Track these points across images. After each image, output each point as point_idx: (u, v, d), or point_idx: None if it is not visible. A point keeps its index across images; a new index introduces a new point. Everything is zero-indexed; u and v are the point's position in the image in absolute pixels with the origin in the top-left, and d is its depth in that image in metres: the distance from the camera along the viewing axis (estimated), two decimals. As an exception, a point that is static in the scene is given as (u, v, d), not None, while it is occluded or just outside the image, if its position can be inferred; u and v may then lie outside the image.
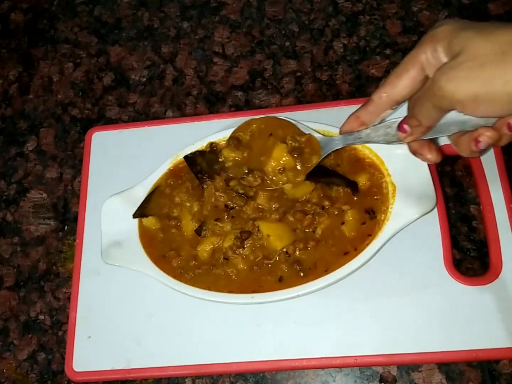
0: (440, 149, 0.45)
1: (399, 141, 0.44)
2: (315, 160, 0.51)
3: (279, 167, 0.51)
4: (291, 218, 0.51)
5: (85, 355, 0.54)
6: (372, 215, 0.50)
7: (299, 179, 0.51)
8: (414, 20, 0.65)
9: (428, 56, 0.38)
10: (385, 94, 0.42)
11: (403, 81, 0.40)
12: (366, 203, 0.51)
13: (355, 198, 0.51)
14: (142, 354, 0.53)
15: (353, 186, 0.51)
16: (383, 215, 0.50)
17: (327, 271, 0.49)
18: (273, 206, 0.51)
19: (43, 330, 0.58)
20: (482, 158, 0.54)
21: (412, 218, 0.49)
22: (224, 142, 0.56)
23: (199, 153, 0.55)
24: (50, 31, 0.75)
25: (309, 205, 0.51)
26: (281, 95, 0.65)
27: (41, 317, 0.59)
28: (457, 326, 0.49)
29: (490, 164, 0.54)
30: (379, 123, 0.46)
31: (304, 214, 0.50)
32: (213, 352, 0.52)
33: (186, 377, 0.54)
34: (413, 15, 0.66)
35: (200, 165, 0.55)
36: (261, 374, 0.53)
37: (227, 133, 0.56)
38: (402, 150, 0.51)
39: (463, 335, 0.49)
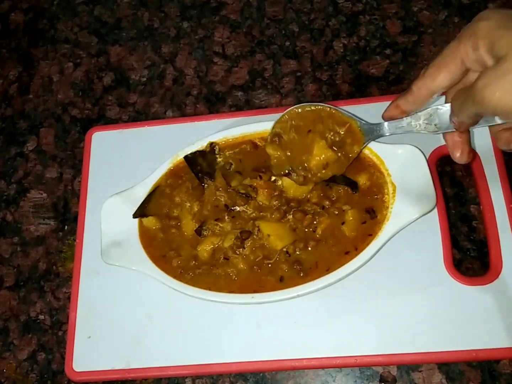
0: (471, 151, 0.45)
1: (440, 130, 0.44)
2: (357, 150, 0.50)
3: (322, 163, 0.51)
4: (291, 218, 0.51)
5: (85, 355, 0.54)
6: (372, 214, 0.50)
7: (343, 169, 0.51)
8: (414, 20, 0.65)
9: (469, 51, 0.37)
10: (424, 85, 0.41)
11: (442, 74, 0.39)
12: (366, 202, 0.51)
13: (354, 194, 0.51)
14: (142, 354, 0.53)
15: (353, 186, 0.51)
16: (383, 215, 0.50)
17: (328, 270, 0.49)
18: (274, 203, 0.51)
19: (43, 330, 0.58)
20: (482, 158, 0.54)
21: (412, 218, 0.49)
22: (224, 142, 0.56)
23: (199, 153, 0.55)
24: (50, 31, 0.75)
25: (309, 205, 0.51)
26: (281, 95, 0.65)
27: (41, 317, 0.59)
28: (457, 326, 0.49)
29: (490, 164, 0.54)
30: (420, 111, 0.45)
31: (304, 214, 0.51)
32: (213, 352, 0.52)
33: (186, 377, 0.54)
34: (413, 15, 0.66)
35: (200, 165, 0.55)
36: (261, 374, 0.53)
37: (227, 133, 0.56)
38: (402, 150, 0.51)
39: (463, 335, 0.49)
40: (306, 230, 0.51)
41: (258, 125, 0.56)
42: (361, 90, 0.63)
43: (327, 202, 0.51)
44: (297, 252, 0.50)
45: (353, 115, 0.51)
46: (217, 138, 0.56)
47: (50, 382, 0.56)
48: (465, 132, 0.44)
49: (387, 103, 0.58)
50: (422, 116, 0.45)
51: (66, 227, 0.63)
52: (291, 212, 0.51)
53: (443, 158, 0.56)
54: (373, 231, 0.50)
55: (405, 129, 0.47)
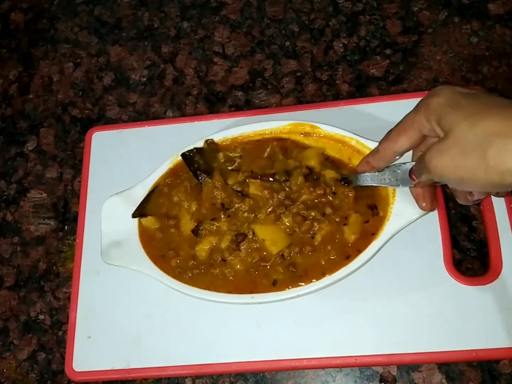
0: (435, 199, 0.48)
1: (402, 185, 0.48)
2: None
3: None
4: (286, 220, 0.50)
5: (85, 355, 0.54)
6: (375, 211, 0.50)
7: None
8: (414, 20, 0.65)
9: (423, 121, 0.41)
10: (388, 147, 0.47)
11: (402, 139, 0.45)
12: (367, 199, 0.51)
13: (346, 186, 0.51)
14: (142, 354, 0.53)
15: (345, 179, 0.51)
16: (385, 212, 0.50)
17: (323, 274, 0.49)
18: (266, 194, 0.51)
19: (43, 330, 0.58)
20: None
21: (412, 218, 0.49)
22: (224, 142, 0.56)
23: (197, 150, 0.55)
24: (50, 31, 0.75)
25: (310, 211, 0.51)
26: (281, 95, 0.65)
27: (41, 317, 0.59)
28: (457, 326, 0.49)
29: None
30: (386, 167, 0.50)
31: (303, 219, 0.50)
32: (213, 352, 0.52)
33: (186, 377, 0.54)
34: (413, 15, 0.66)
35: (198, 162, 0.54)
36: (261, 374, 0.53)
37: (227, 133, 0.56)
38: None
39: (463, 335, 0.49)
40: (303, 235, 0.50)
41: (258, 125, 0.56)
42: (361, 90, 0.63)
43: (329, 210, 0.50)
44: (292, 255, 0.50)
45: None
46: (217, 138, 0.56)
47: (50, 382, 0.56)
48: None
49: (387, 103, 0.59)
50: (387, 172, 0.50)
51: (66, 227, 0.63)
52: (289, 215, 0.50)
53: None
54: (376, 230, 0.50)
55: (373, 181, 0.51)
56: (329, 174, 0.52)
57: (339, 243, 0.50)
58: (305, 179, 0.51)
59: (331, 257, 0.49)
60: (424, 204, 0.48)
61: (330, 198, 0.51)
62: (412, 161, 0.48)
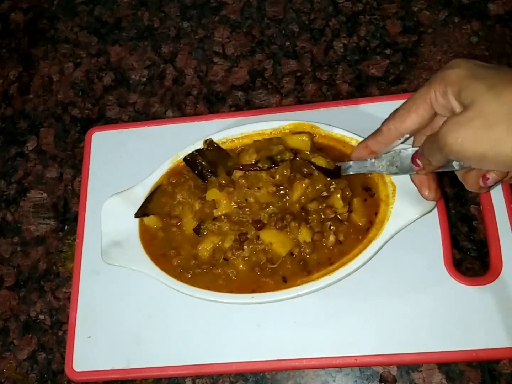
0: (439, 188, 0.46)
1: (401, 173, 0.46)
2: (323, 187, 0.51)
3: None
4: (293, 235, 0.50)
5: (85, 355, 0.54)
6: (370, 192, 0.51)
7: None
8: (414, 20, 0.65)
9: (438, 96, 0.38)
10: (393, 126, 0.43)
11: (412, 117, 0.41)
12: (359, 183, 0.52)
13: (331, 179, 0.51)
14: (142, 354, 0.53)
15: (332, 171, 0.50)
16: (379, 194, 0.50)
17: (332, 264, 0.49)
18: (273, 214, 0.51)
19: (43, 330, 0.58)
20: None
21: (412, 218, 0.49)
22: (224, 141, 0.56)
23: (198, 152, 0.55)
24: (50, 31, 0.75)
25: (312, 216, 0.51)
26: (281, 95, 0.65)
27: (41, 317, 0.59)
28: (457, 326, 0.49)
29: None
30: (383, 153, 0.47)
31: (311, 231, 0.50)
32: (213, 352, 0.52)
33: (186, 377, 0.54)
34: (413, 15, 0.66)
35: (201, 164, 0.55)
36: (261, 374, 0.53)
37: (227, 133, 0.56)
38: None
39: (463, 335, 0.49)
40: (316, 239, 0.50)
41: (258, 125, 0.56)
42: (361, 90, 0.63)
43: (329, 212, 0.50)
44: (302, 254, 0.50)
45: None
46: (217, 138, 0.56)
47: (50, 382, 0.56)
48: None
49: (387, 103, 0.58)
50: (385, 158, 0.47)
51: (66, 227, 0.63)
52: (295, 228, 0.50)
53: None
54: (377, 209, 0.50)
55: (368, 169, 0.49)
56: (319, 161, 0.51)
57: (350, 232, 0.50)
58: (291, 166, 0.50)
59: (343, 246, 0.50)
60: (427, 193, 0.45)
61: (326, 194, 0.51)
62: (413, 147, 0.45)
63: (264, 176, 0.51)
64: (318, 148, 0.54)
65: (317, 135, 0.55)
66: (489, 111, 0.33)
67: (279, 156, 0.51)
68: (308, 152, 0.52)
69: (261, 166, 0.51)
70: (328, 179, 0.50)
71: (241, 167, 0.52)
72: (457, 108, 0.36)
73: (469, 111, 0.34)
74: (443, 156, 0.38)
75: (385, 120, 0.44)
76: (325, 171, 0.50)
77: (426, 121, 0.41)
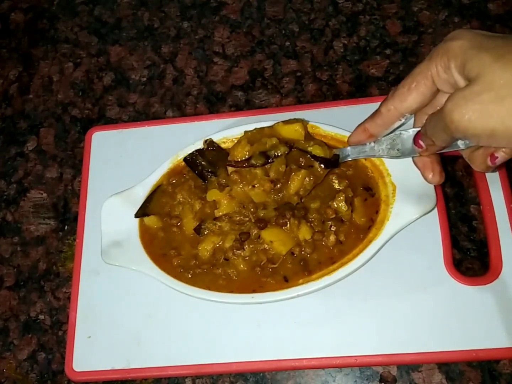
0: (443, 171, 0.45)
1: (403, 156, 0.44)
2: (322, 174, 0.50)
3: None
4: (293, 234, 0.50)
5: (85, 355, 0.54)
6: (370, 192, 0.51)
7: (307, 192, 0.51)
8: (414, 20, 0.65)
9: (440, 71, 0.36)
10: (393, 106, 0.40)
11: (413, 95, 0.39)
12: (359, 183, 0.52)
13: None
14: (142, 354, 0.53)
15: (330, 160, 0.49)
16: (379, 194, 0.50)
17: (334, 262, 0.49)
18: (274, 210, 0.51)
19: (43, 330, 0.58)
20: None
21: (412, 218, 0.49)
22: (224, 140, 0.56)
23: (198, 152, 0.55)
24: (50, 31, 0.75)
25: (312, 215, 0.51)
26: (281, 95, 0.65)
27: (41, 317, 0.59)
28: (457, 326, 0.49)
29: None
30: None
31: (312, 230, 0.50)
32: (213, 352, 0.52)
33: (186, 377, 0.54)
34: (413, 15, 0.66)
35: (201, 164, 0.55)
36: (261, 374, 0.53)
37: (227, 133, 0.56)
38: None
39: (463, 335, 0.49)
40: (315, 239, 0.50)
41: (258, 125, 0.56)
42: (361, 90, 0.63)
43: (330, 212, 0.50)
44: (303, 253, 0.50)
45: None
46: (217, 138, 0.56)
47: (50, 382, 0.56)
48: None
49: (387, 103, 0.58)
50: (385, 142, 0.46)
51: (66, 227, 0.63)
52: (294, 225, 0.50)
53: (443, 158, 0.56)
54: (378, 208, 0.50)
55: (367, 153, 0.48)
56: (316, 150, 0.49)
57: (350, 232, 0.50)
58: (287, 159, 0.49)
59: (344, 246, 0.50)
60: (431, 176, 0.43)
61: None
62: (414, 127, 0.43)
63: (259, 173, 0.50)
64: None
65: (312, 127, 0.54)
66: (499, 83, 0.31)
67: (273, 151, 0.50)
68: (303, 142, 0.50)
69: (254, 163, 0.50)
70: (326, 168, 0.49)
71: (233, 163, 0.50)
72: (461, 82, 0.34)
73: (476, 84, 0.32)
74: (448, 135, 0.35)
75: (384, 100, 0.41)
76: (323, 161, 0.49)
77: (427, 98, 0.39)
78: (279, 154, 0.50)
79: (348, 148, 0.49)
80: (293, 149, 0.50)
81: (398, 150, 0.44)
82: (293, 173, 0.49)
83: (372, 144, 0.46)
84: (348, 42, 0.66)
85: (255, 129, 0.53)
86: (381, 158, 0.48)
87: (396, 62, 0.63)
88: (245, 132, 0.54)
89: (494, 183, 0.53)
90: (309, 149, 0.50)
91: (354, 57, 0.65)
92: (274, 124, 0.52)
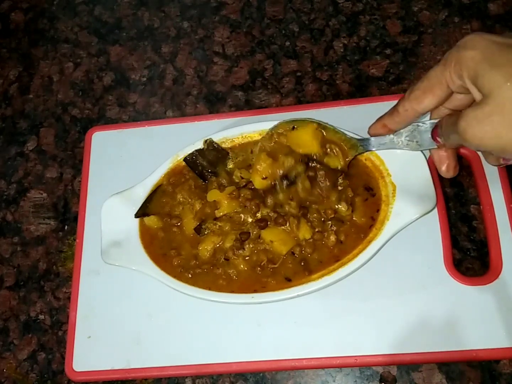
0: (457, 165, 0.45)
1: (422, 148, 0.45)
2: (342, 162, 0.51)
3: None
4: (294, 233, 0.50)
5: (85, 355, 0.54)
6: (371, 192, 0.51)
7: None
8: (414, 20, 0.65)
9: (454, 78, 0.37)
10: (410, 107, 0.42)
11: (428, 98, 0.40)
12: (360, 183, 0.52)
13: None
14: (142, 354, 0.53)
15: (344, 171, 0.51)
16: (379, 193, 0.50)
17: (338, 260, 0.49)
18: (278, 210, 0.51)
19: (43, 330, 0.58)
20: (482, 158, 0.54)
21: (412, 218, 0.49)
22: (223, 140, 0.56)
23: (198, 152, 0.55)
24: (50, 31, 0.75)
25: (313, 215, 0.51)
26: (281, 95, 0.65)
27: (41, 317, 0.59)
28: (457, 326, 0.49)
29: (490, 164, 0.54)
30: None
31: (312, 229, 0.50)
32: (213, 352, 0.52)
33: (186, 377, 0.54)
34: (413, 15, 0.66)
35: (201, 164, 0.55)
36: (261, 374, 0.53)
37: (227, 133, 0.56)
38: (402, 150, 0.51)
39: (463, 335, 0.49)
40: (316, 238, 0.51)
41: (258, 125, 0.56)
42: (361, 90, 0.63)
43: (329, 211, 0.51)
44: (303, 253, 0.50)
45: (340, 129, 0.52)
46: (217, 138, 0.56)
47: (50, 382, 0.56)
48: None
49: (387, 103, 0.58)
50: (404, 133, 0.47)
51: (66, 227, 0.63)
52: (294, 224, 0.50)
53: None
54: (379, 207, 0.50)
55: (388, 145, 0.49)
56: (332, 161, 0.51)
57: (351, 231, 0.50)
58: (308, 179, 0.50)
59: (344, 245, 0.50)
60: (444, 168, 0.44)
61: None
62: (431, 119, 0.44)
63: (283, 197, 0.51)
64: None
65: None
66: (509, 107, 0.32)
67: (293, 173, 0.51)
68: (318, 154, 0.51)
69: (279, 188, 0.51)
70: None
71: (268, 204, 0.51)
72: (475, 91, 0.35)
73: (487, 104, 0.33)
74: (462, 143, 0.37)
75: (401, 100, 0.43)
76: (341, 173, 0.51)
77: (443, 99, 0.40)
78: (299, 174, 0.51)
79: (372, 138, 0.49)
80: (310, 164, 0.51)
81: (417, 142, 0.45)
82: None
83: (392, 136, 0.47)
84: (348, 42, 0.66)
85: (266, 137, 0.53)
86: (401, 150, 0.48)
87: (396, 62, 0.63)
88: (260, 149, 0.53)
89: (494, 183, 0.53)
90: (325, 160, 0.51)
91: (354, 57, 0.65)
92: (285, 131, 0.53)
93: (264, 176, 0.51)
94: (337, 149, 0.51)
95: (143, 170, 0.57)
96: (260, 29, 0.69)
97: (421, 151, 0.49)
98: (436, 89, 0.39)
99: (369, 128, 0.48)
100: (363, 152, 0.51)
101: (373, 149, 0.50)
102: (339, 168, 0.51)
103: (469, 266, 0.53)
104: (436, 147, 0.44)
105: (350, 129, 0.54)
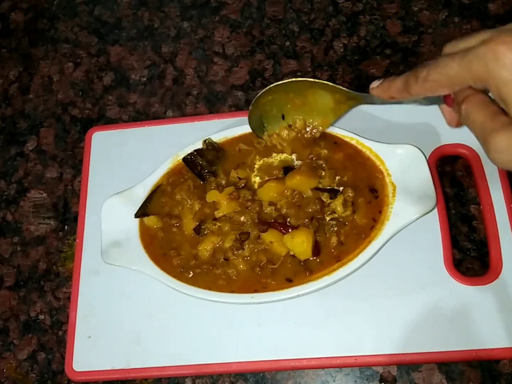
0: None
1: (428, 103, 0.42)
2: (343, 110, 0.51)
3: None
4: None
5: (85, 355, 0.54)
6: (375, 194, 0.51)
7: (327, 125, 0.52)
8: (414, 20, 0.65)
9: (478, 85, 0.35)
10: (422, 93, 0.40)
11: (445, 91, 0.38)
12: (365, 184, 0.52)
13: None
14: (142, 354, 0.53)
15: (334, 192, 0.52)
16: (384, 194, 0.50)
17: (339, 261, 0.49)
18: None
19: (43, 330, 0.58)
20: (482, 158, 0.54)
21: (412, 218, 0.49)
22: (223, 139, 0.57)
23: (197, 152, 0.55)
24: (50, 31, 0.75)
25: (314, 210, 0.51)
26: (281, 95, 0.65)
27: (41, 317, 0.59)
28: (457, 326, 0.49)
29: (490, 164, 0.53)
30: None
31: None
32: (213, 352, 0.52)
33: (186, 377, 0.54)
34: (413, 15, 0.66)
35: (200, 164, 0.55)
36: (261, 374, 0.53)
37: (227, 133, 0.56)
38: (402, 150, 0.51)
39: (463, 335, 0.49)
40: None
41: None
42: (361, 90, 0.63)
43: (326, 209, 0.51)
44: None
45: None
46: (217, 138, 0.56)
47: (50, 382, 0.56)
48: None
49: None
50: None
51: (66, 227, 0.63)
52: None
53: (443, 158, 0.56)
54: (381, 208, 0.50)
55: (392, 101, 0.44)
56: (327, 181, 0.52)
57: (352, 233, 0.50)
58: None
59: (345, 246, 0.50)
60: (454, 125, 0.42)
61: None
62: None
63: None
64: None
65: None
66: None
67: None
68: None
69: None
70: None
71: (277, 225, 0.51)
72: (498, 99, 0.34)
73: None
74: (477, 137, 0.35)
75: (412, 83, 0.40)
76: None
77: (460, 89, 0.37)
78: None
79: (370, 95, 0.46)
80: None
81: (424, 99, 0.42)
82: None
83: None
84: (348, 42, 0.66)
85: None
86: (408, 103, 0.44)
87: (396, 62, 0.63)
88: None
89: (494, 183, 0.53)
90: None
91: (354, 57, 0.65)
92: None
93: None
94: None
95: (143, 170, 0.57)
96: (260, 29, 0.69)
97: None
98: (455, 87, 0.36)
99: (373, 89, 0.44)
100: (365, 103, 0.48)
101: (378, 103, 0.46)
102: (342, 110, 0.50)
103: (469, 266, 0.53)
104: (444, 103, 0.41)
105: (350, 129, 0.54)
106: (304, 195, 0.52)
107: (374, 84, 0.44)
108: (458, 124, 0.42)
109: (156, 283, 0.52)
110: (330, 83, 0.50)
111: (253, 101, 0.52)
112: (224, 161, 0.55)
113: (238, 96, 0.66)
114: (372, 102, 0.47)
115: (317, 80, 0.51)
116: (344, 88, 0.49)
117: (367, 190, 0.51)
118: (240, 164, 0.55)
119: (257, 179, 0.54)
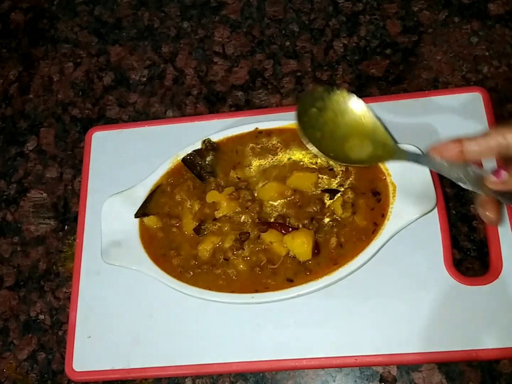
0: (501, 213, 0.41)
1: (470, 187, 0.40)
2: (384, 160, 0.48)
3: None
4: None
5: (85, 355, 0.54)
6: (378, 197, 0.51)
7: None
8: (414, 20, 0.65)
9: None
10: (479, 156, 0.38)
11: (487, 156, 0.37)
12: (368, 187, 0.52)
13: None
14: (142, 354, 0.53)
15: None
16: (385, 196, 0.50)
17: (336, 264, 0.49)
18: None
19: (43, 330, 0.58)
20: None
21: (412, 218, 0.49)
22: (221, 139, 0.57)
23: (196, 152, 0.55)
24: (50, 31, 0.75)
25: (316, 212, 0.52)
26: (281, 95, 0.65)
27: (41, 317, 0.59)
28: (457, 326, 0.49)
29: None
30: None
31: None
32: (213, 352, 0.52)
33: (186, 377, 0.54)
34: (413, 15, 0.66)
35: (199, 164, 0.55)
36: (261, 374, 0.53)
37: (227, 133, 0.56)
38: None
39: (463, 335, 0.49)
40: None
41: (258, 125, 0.56)
42: (361, 90, 0.63)
43: (326, 210, 0.51)
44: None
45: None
46: (217, 138, 0.56)
47: (50, 382, 0.56)
48: None
49: (387, 103, 0.58)
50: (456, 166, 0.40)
51: (66, 227, 0.63)
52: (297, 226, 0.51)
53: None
54: (384, 211, 0.50)
55: (434, 167, 0.41)
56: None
57: (352, 234, 0.50)
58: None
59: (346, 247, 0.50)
60: (488, 214, 0.40)
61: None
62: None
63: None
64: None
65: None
66: None
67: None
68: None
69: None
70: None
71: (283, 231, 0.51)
72: None
73: None
74: None
75: (468, 147, 0.38)
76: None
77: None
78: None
79: (414, 152, 0.43)
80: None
81: (467, 179, 0.39)
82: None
83: (447, 164, 0.40)
84: (348, 42, 0.66)
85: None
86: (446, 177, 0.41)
87: (396, 62, 0.63)
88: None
89: (494, 183, 0.53)
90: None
91: (354, 57, 0.65)
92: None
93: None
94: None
95: (143, 170, 0.57)
96: (260, 29, 0.69)
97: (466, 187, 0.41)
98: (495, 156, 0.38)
99: (436, 148, 0.39)
100: (409, 162, 0.43)
101: (432, 167, 0.42)
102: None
103: (469, 266, 0.53)
104: (483, 191, 0.39)
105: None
106: (309, 193, 0.52)
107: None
108: (499, 218, 0.40)
109: (156, 283, 0.52)
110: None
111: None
112: (223, 161, 0.55)
113: (238, 96, 0.66)
114: (421, 162, 0.42)
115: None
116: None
117: (370, 194, 0.51)
118: (238, 164, 0.55)
119: (257, 179, 0.54)
